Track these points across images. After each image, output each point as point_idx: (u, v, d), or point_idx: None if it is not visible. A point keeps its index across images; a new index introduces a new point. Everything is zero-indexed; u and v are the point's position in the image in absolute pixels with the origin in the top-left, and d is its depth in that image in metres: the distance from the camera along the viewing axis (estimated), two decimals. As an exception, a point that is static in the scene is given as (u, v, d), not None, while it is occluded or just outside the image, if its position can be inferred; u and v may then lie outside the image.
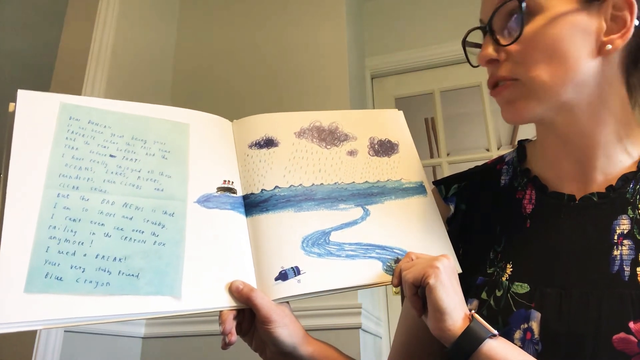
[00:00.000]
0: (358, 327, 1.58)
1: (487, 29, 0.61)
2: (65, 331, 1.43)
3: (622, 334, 0.53)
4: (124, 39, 1.85)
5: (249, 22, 2.19)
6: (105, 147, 0.64)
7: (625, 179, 0.62)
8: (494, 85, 0.63)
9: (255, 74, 2.08)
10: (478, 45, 0.66)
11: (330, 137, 0.78)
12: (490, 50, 0.61)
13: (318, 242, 0.67)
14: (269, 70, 2.06)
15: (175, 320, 1.74)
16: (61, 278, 0.53)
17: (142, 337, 1.77)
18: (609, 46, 0.58)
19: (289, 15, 2.13)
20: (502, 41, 0.60)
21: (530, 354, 0.56)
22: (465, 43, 0.67)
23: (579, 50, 0.57)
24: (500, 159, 0.77)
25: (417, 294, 0.58)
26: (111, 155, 0.64)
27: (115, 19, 1.82)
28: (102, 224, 0.58)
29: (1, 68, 2.92)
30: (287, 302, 0.66)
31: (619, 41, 0.58)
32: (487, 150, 2.31)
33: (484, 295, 0.63)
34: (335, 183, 0.73)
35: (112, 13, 1.81)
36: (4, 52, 2.89)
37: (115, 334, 1.64)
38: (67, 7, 1.87)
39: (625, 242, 0.59)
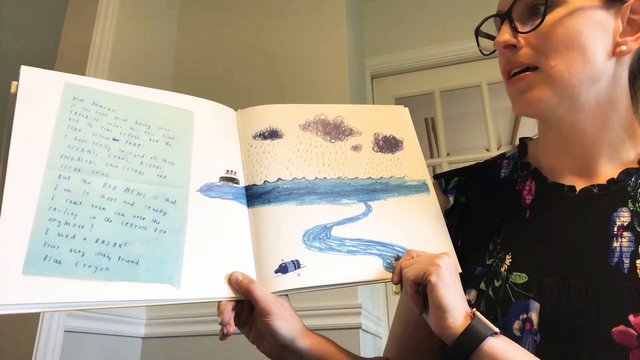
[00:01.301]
0: (358, 327, 1.57)
1: (507, 16, 0.62)
2: (65, 331, 1.42)
3: (621, 327, 0.53)
4: (124, 39, 1.85)
5: (249, 22, 2.19)
6: (108, 130, 0.62)
7: (627, 173, 0.63)
8: (509, 73, 0.63)
9: (254, 74, 2.08)
10: (490, 37, 0.67)
11: (335, 131, 0.77)
12: (508, 36, 0.62)
13: (319, 237, 0.66)
14: (269, 70, 2.06)
15: (175, 320, 1.74)
16: (60, 261, 0.52)
17: (142, 337, 1.76)
18: (623, 47, 0.59)
19: (288, 15, 2.13)
20: (521, 29, 0.61)
21: (529, 344, 0.56)
22: (478, 32, 0.68)
23: (597, 45, 0.59)
24: (501, 155, 0.78)
25: (417, 292, 0.58)
26: (114, 139, 0.62)
27: (115, 19, 1.81)
28: (103, 208, 0.57)
29: (1, 68, 2.92)
30: (287, 295, 0.65)
31: (633, 44, 0.59)
32: (487, 150, 2.31)
33: (482, 286, 0.63)
34: (339, 177, 0.72)
35: (112, 13, 1.81)
36: (4, 52, 2.89)
37: (115, 334, 1.63)
38: (67, 7, 1.87)
39: (625, 234, 0.59)
